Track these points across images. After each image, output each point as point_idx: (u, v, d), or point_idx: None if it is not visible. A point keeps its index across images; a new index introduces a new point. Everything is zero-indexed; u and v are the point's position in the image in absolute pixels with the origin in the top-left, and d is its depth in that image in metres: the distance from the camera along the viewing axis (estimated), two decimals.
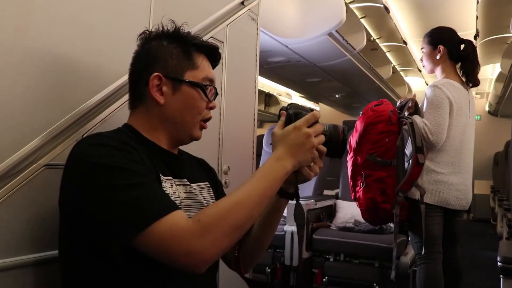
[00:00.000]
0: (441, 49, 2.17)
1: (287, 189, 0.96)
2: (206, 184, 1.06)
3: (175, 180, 0.94)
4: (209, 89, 0.98)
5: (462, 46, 2.20)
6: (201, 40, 1.00)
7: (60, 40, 1.04)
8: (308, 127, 0.87)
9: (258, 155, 3.02)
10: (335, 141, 0.91)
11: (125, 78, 1.06)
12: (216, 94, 1.00)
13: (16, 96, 0.94)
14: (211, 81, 0.99)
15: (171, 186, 0.91)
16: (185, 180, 0.97)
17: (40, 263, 0.96)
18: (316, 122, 0.88)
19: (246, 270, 1.05)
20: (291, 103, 0.96)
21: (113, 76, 1.17)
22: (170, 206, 0.78)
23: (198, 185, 1.02)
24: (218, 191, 1.10)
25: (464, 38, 2.24)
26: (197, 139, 0.99)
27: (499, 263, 1.73)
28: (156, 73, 0.93)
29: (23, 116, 0.96)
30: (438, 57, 2.18)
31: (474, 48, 2.22)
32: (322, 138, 0.89)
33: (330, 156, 0.93)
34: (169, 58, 0.95)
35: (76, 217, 0.81)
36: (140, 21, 1.30)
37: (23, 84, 0.96)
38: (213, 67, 1.02)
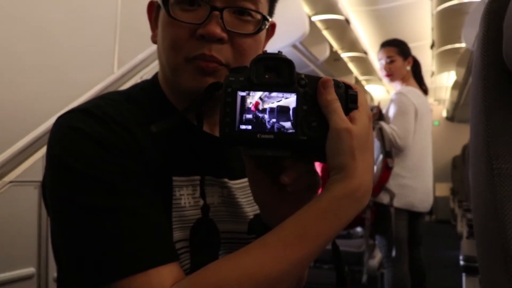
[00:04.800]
0: (410, 60, 2.29)
1: None
2: None
3: (208, 178, 0.61)
4: (173, 1, 0.57)
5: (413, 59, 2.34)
6: None
7: (23, 52, 1.02)
8: None
9: None
10: None
11: (94, 90, 1.05)
12: (213, 9, 0.56)
13: None
14: None
15: (193, 193, 0.60)
16: (225, 179, 0.65)
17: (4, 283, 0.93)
18: None
19: None
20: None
21: (80, 88, 1.15)
22: (157, 256, 0.49)
23: (244, 182, 0.68)
24: None
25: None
26: (192, 90, 0.58)
27: (461, 262, 1.80)
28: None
29: None
30: (408, 68, 2.29)
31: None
32: None
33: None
34: None
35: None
36: (106, 31, 1.29)
37: None
38: None
